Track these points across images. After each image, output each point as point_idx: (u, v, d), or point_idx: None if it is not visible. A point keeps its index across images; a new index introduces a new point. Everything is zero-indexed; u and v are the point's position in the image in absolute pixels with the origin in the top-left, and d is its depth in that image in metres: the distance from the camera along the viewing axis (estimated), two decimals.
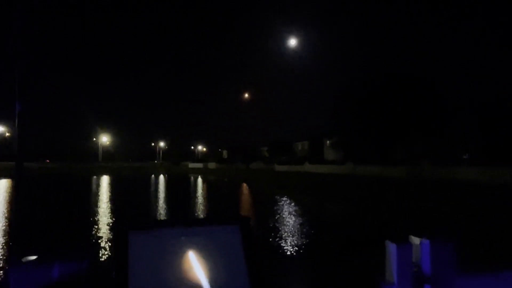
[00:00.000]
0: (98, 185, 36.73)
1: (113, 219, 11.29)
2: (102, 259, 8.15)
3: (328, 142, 52.36)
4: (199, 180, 48.62)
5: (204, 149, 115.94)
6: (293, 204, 19.87)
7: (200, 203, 20.64)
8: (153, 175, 60.67)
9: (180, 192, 28.81)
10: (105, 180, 45.43)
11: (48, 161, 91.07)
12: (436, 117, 33.75)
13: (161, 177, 56.37)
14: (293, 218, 14.91)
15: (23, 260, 0.97)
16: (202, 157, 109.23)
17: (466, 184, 22.36)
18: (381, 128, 35.59)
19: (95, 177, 53.21)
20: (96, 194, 25.73)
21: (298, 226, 13.21)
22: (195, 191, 30.78)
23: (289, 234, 11.67)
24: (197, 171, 75.78)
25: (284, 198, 22.77)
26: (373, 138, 37.06)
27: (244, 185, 37.79)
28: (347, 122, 39.64)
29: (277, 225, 13.44)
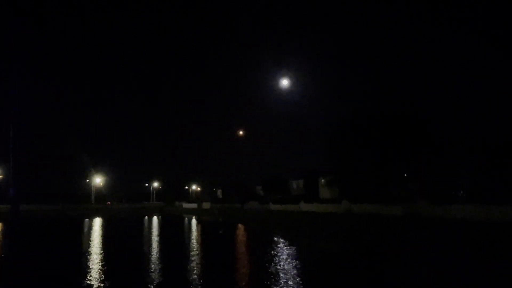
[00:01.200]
0: (89, 229, 35.47)
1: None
2: None
3: (323, 180, 52.11)
4: (193, 221, 47.40)
5: (199, 188, 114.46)
6: (290, 247, 19.25)
7: (195, 252, 19.84)
8: (146, 217, 59.10)
9: (173, 238, 27.64)
10: (97, 223, 44.01)
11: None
12: (430, 155, 33.61)
13: (155, 218, 54.84)
14: (292, 264, 14.34)
15: None
16: (197, 197, 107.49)
17: (462, 223, 21.92)
18: (376, 166, 35.34)
19: (87, 219, 51.64)
20: (86, 241, 24.80)
21: (298, 274, 12.68)
22: (190, 233, 29.80)
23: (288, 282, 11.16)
24: (191, 212, 74.27)
25: (282, 240, 22.11)
26: (368, 176, 36.61)
27: (240, 226, 36.86)
28: (341, 160, 39.27)
29: (277, 272, 12.89)
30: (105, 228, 37.62)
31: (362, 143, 36.08)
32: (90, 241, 24.55)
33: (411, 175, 35.93)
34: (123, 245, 22.58)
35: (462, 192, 35.43)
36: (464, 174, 33.74)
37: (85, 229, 35.39)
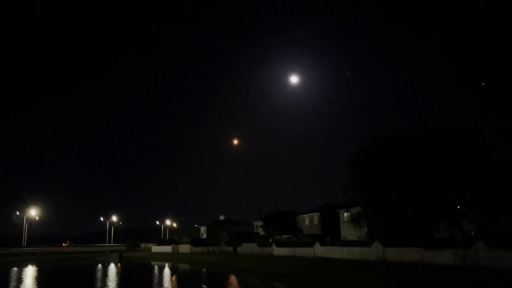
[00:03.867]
0: (18, 283, 35.99)
1: None
2: None
3: (345, 214, 52.62)
4: (166, 271, 47.86)
5: (175, 224, 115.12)
6: None
7: None
8: (100, 265, 59.54)
9: None
10: (28, 274, 44.30)
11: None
12: (492, 182, 34.07)
13: (112, 267, 55.51)
14: None
15: None
16: (172, 236, 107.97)
17: None
18: (418, 196, 36.05)
19: (15, 269, 52.14)
20: None
21: None
22: None
23: None
24: (163, 258, 74.57)
25: None
26: (408, 210, 36.90)
27: (232, 278, 37.20)
28: (371, 188, 40.09)
29: None
30: (38, 283, 38.06)
31: (400, 166, 36.75)
32: None
33: (466, 209, 36.31)
34: None
35: None
36: None
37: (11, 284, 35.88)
